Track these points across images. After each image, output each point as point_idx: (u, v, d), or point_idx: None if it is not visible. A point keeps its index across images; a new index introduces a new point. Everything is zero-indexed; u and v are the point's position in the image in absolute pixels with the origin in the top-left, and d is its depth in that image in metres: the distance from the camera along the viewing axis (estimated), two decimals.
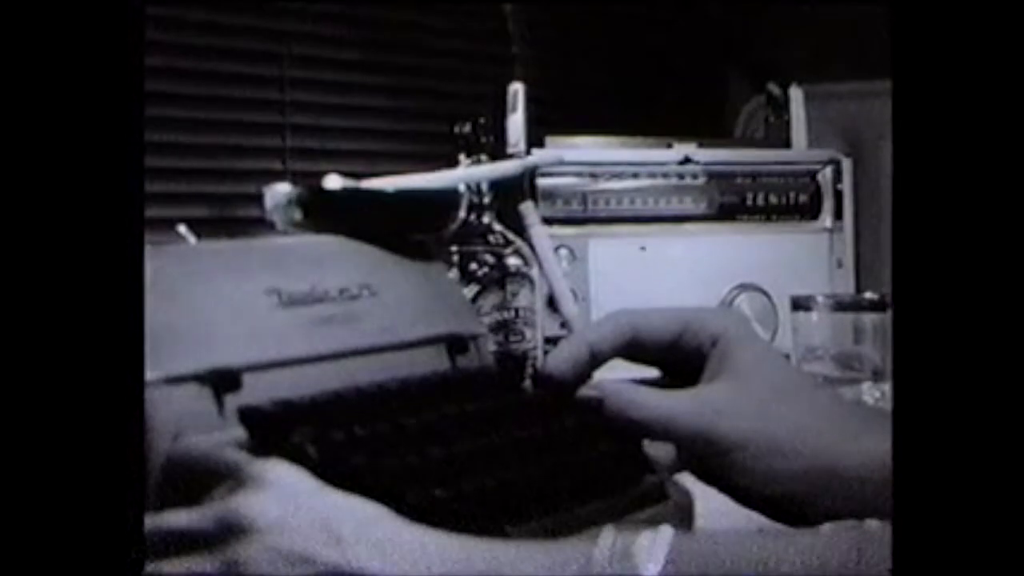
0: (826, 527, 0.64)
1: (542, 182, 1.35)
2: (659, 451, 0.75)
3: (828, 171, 1.46)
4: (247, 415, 0.65)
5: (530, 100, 1.33)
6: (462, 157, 1.18)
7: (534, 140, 1.35)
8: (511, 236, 1.17)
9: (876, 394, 1.11)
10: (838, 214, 1.46)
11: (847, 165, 1.47)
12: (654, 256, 1.39)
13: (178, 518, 0.60)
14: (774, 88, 1.53)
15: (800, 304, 1.16)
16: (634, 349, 0.79)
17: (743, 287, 1.40)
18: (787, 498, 0.73)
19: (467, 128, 1.18)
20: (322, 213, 0.82)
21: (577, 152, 1.38)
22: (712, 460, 0.74)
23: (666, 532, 0.59)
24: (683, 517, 0.72)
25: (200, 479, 0.62)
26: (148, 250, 0.71)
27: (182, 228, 0.82)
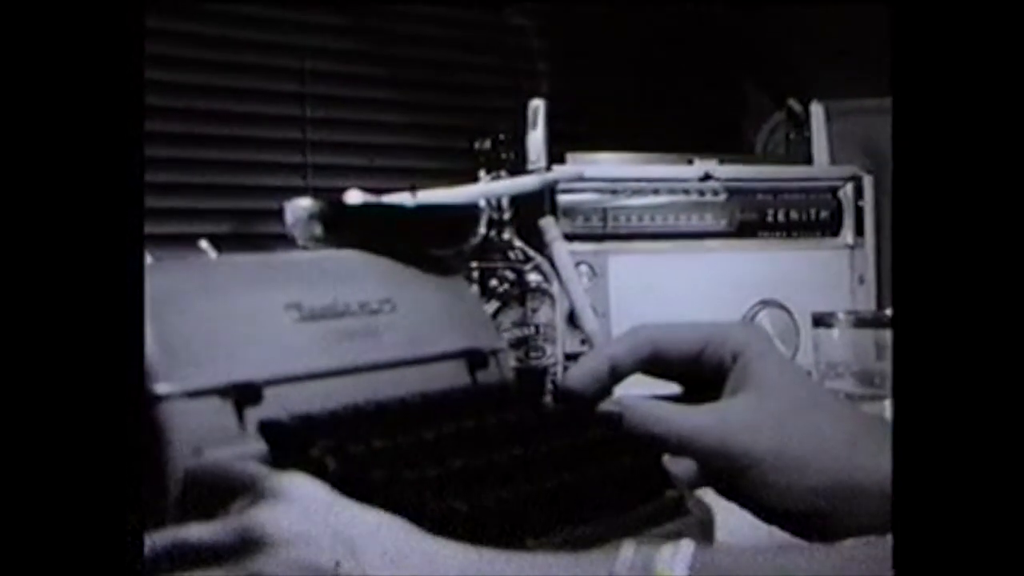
0: (847, 543, 0.64)
1: (562, 198, 1.35)
2: (679, 466, 0.75)
3: (849, 187, 1.46)
4: (267, 429, 0.65)
5: (550, 116, 1.34)
6: (482, 173, 1.18)
7: (555, 156, 1.35)
8: (531, 252, 1.17)
9: None
10: (859, 230, 1.46)
11: (868, 181, 1.47)
12: (675, 272, 1.39)
13: (198, 531, 0.60)
14: (795, 104, 1.53)
15: (821, 320, 1.16)
16: (655, 364, 0.79)
17: (764, 304, 1.40)
18: (808, 513, 0.73)
19: (487, 144, 1.18)
20: (343, 228, 0.82)
21: (597, 168, 1.38)
22: (733, 475, 0.74)
23: (687, 546, 0.59)
24: (704, 532, 0.72)
25: (220, 492, 0.62)
26: (169, 264, 0.72)
27: (203, 243, 0.82)
